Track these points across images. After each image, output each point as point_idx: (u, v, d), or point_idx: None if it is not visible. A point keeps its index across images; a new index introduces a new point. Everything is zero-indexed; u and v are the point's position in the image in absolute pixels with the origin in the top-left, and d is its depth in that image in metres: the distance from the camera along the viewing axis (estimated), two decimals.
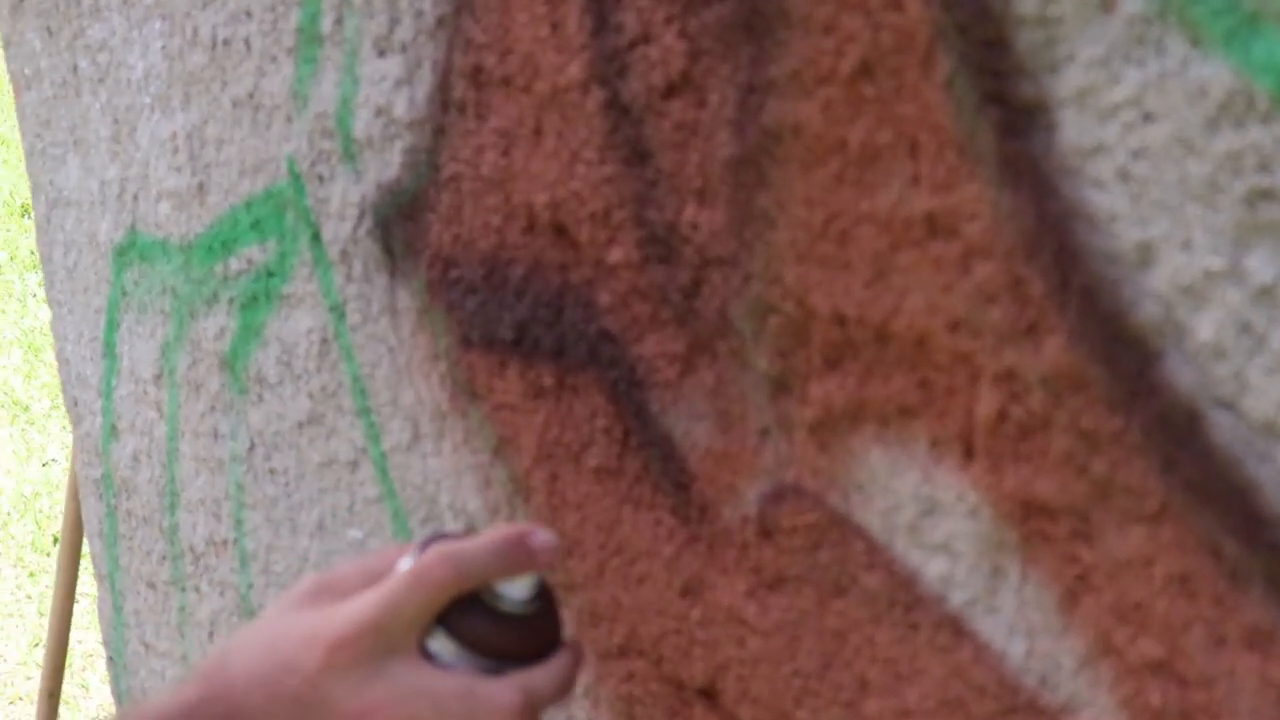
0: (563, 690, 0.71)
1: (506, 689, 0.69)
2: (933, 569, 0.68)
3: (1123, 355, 0.56)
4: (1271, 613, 0.54)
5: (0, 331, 5.24)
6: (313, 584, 0.73)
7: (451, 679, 0.69)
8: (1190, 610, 0.57)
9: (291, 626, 0.70)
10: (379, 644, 0.68)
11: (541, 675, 0.70)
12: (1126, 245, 0.55)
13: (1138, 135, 0.53)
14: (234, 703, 0.68)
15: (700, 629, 0.82)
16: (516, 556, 0.70)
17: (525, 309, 0.90)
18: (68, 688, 3.19)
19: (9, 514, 4.05)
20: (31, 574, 3.71)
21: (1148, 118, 0.53)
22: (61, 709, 3.14)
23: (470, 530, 0.76)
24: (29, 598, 3.63)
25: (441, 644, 0.69)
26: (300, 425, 1.22)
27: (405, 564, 0.71)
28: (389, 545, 0.75)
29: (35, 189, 1.67)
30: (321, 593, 0.72)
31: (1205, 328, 0.53)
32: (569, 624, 0.92)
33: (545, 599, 0.72)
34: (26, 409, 4.62)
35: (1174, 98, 0.52)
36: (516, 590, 0.71)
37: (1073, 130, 0.56)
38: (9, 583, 3.73)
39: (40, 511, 4.02)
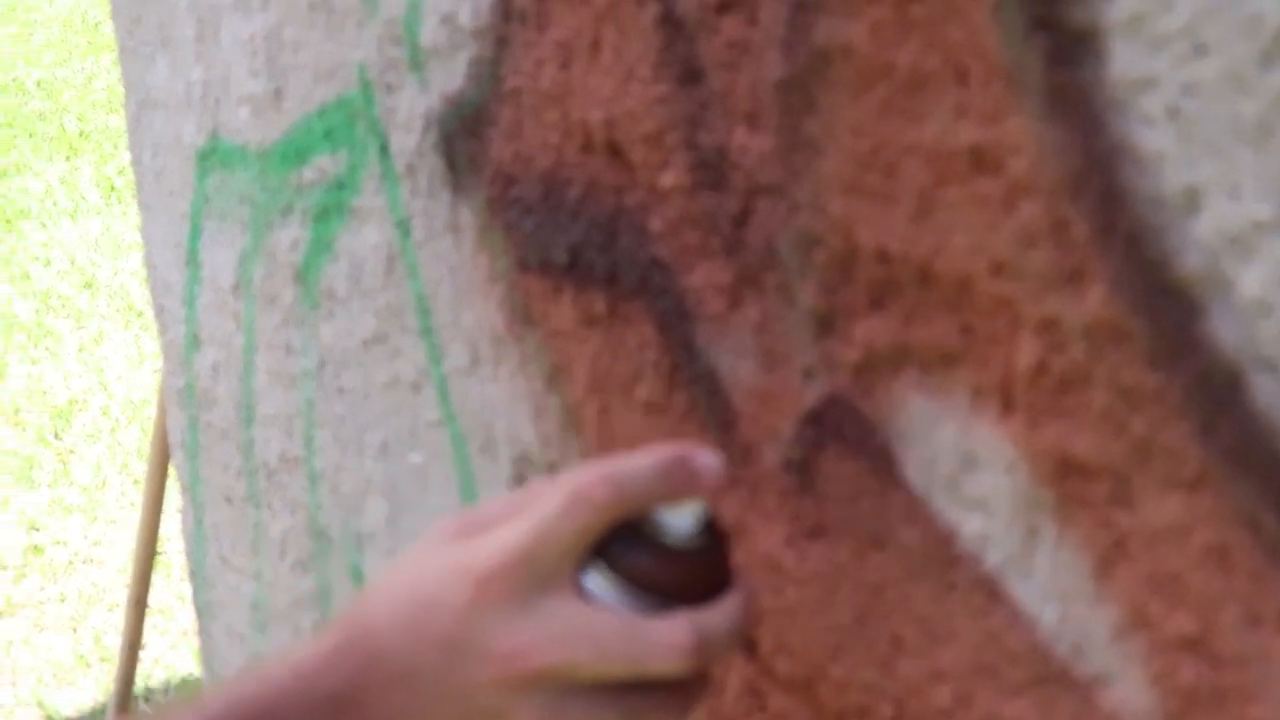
0: (737, 635, 0.66)
1: (677, 629, 0.63)
2: (970, 526, 0.66)
3: (1165, 308, 0.54)
4: None
5: (120, 235, 5.39)
6: (457, 519, 0.68)
7: (613, 618, 0.63)
8: (1226, 585, 0.55)
9: (435, 563, 0.66)
10: (532, 577, 0.63)
11: (714, 616, 0.64)
12: (1173, 189, 0.53)
13: (1189, 69, 0.51)
14: (375, 648, 0.64)
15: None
16: (681, 477, 0.65)
17: (580, 231, 0.89)
18: (164, 597, 3.30)
19: (118, 419, 4.17)
20: (136, 481, 3.82)
21: (1199, 50, 0.51)
22: (156, 618, 3.25)
23: None
24: (133, 505, 3.74)
25: (599, 579, 0.64)
26: (366, 344, 1.23)
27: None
28: (536, 480, 0.69)
29: (127, 88, 1.71)
30: (466, 527, 0.67)
31: (1251, 282, 0.51)
32: None
33: (713, 533, 0.67)
34: (141, 314, 4.74)
35: (1228, 28, 0.50)
36: (682, 521, 0.65)
37: (1122, 61, 0.53)
38: (114, 490, 3.85)
39: (148, 419, 4.14)
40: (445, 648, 0.63)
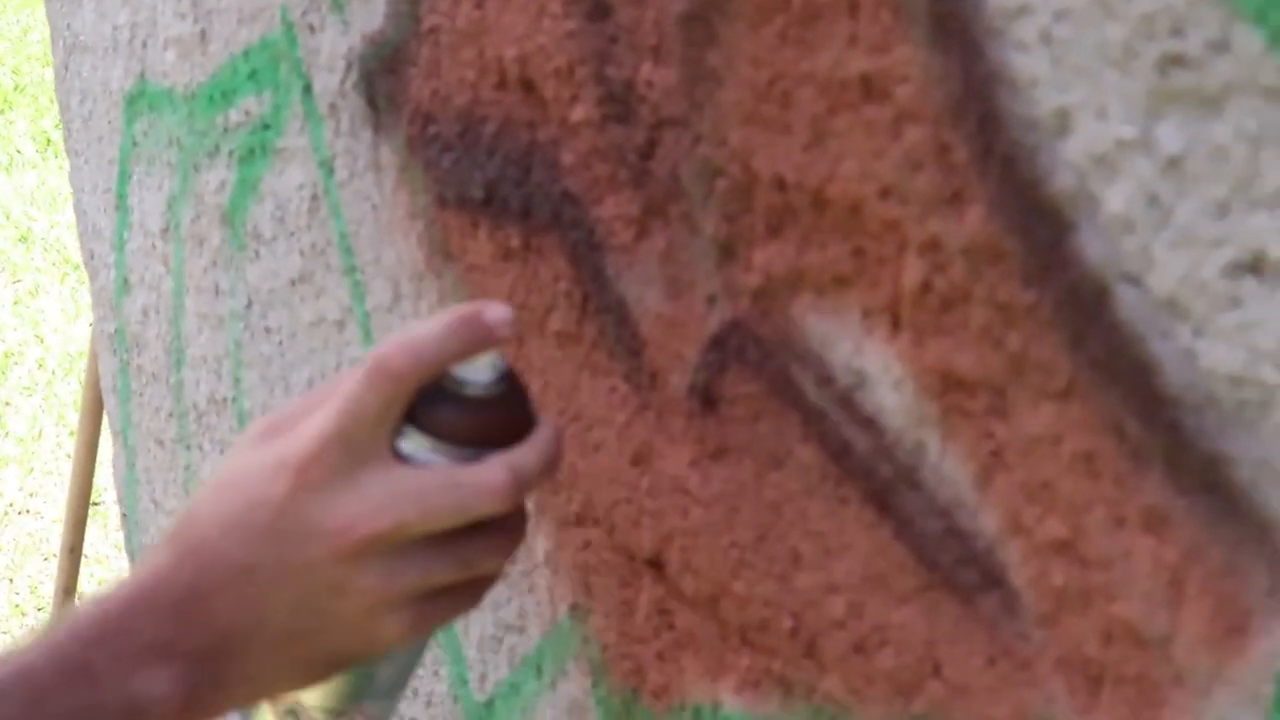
0: (550, 466, 0.69)
1: (492, 470, 0.66)
2: (861, 443, 0.69)
3: (1038, 227, 0.56)
4: (1168, 495, 0.54)
5: (55, 189, 5.33)
6: (263, 422, 0.70)
7: (432, 474, 0.67)
8: (1093, 490, 0.57)
9: (253, 463, 0.68)
10: (348, 454, 0.65)
11: (525, 453, 0.68)
12: (1045, 111, 0.55)
13: None
14: (209, 553, 0.66)
15: (649, 498, 0.84)
16: (474, 333, 0.67)
17: (495, 167, 0.91)
18: (101, 547, 3.29)
19: (54, 372, 4.14)
20: (72, 433, 3.79)
21: None
22: (94, 567, 3.24)
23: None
24: (68, 457, 3.72)
25: (413, 442, 0.67)
26: (293, 283, 1.24)
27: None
28: (338, 375, 0.73)
29: (54, 33, 1.70)
30: (274, 427, 0.69)
31: (1115, 199, 0.53)
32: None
33: (511, 380, 0.70)
34: (77, 267, 4.70)
35: None
36: (479, 372, 0.68)
37: None
38: (50, 440, 3.83)
39: (85, 372, 4.11)
40: (276, 537, 0.65)
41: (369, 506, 0.65)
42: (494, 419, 0.69)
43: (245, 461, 0.68)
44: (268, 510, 0.65)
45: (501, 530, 0.69)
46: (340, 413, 0.65)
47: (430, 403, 0.67)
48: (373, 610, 0.66)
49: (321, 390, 0.70)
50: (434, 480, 0.66)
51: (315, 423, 0.66)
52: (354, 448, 0.65)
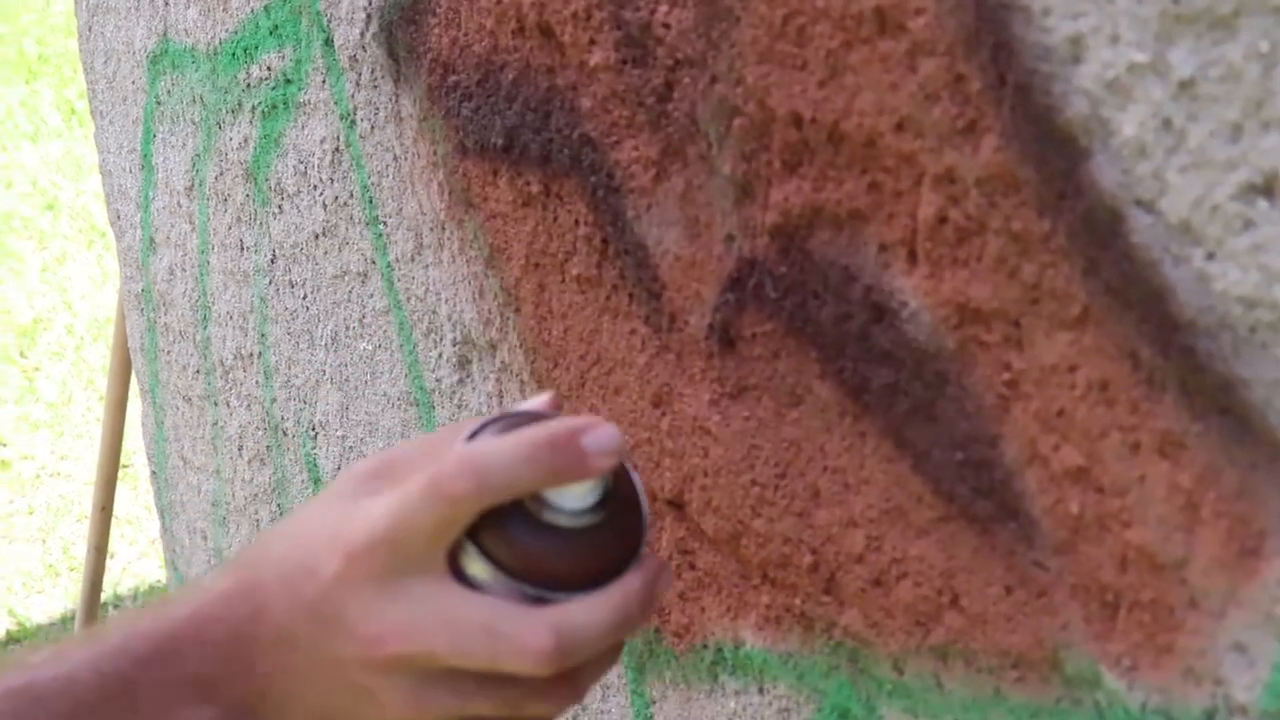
0: (615, 630, 0.59)
1: (535, 627, 0.58)
2: (879, 377, 0.69)
3: (1052, 155, 0.56)
4: (1182, 419, 0.55)
5: (81, 157, 5.34)
6: (374, 464, 0.64)
7: (477, 609, 0.59)
8: (1108, 417, 0.58)
9: (324, 520, 0.62)
10: (396, 560, 0.59)
11: (586, 611, 0.59)
12: (1058, 39, 0.55)
13: None
14: (260, 602, 0.62)
15: (669, 439, 0.84)
16: (561, 463, 0.58)
17: (515, 115, 0.91)
18: (131, 508, 3.31)
19: (83, 338, 4.17)
20: (101, 397, 3.81)
21: None
22: (125, 527, 3.27)
23: (536, 414, 0.63)
24: (99, 420, 3.74)
25: (474, 562, 0.59)
26: (316, 236, 1.25)
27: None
28: (464, 422, 0.64)
29: None
30: (378, 475, 0.63)
31: (1129, 124, 0.53)
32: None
33: (613, 508, 0.59)
34: (103, 234, 4.72)
35: None
36: (569, 499, 0.58)
37: None
38: (80, 405, 3.86)
39: (113, 333, 4.13)
40: (316, 617, 0.61)
41: (403, 623, 0.59)
42: (575, 557, 0.59)
43: (324, 512, 0.63)
44: (314, 587, 0.61)
45: (554, 683, 0.60)
46: (393, 517, 0.59)
47: (502, 520, 0.58)
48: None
49: (441, 438, 0.64)
50: (473, 617, 0.59)
51: (374, 513, 0.60)
52: (403, 556, 0.59)
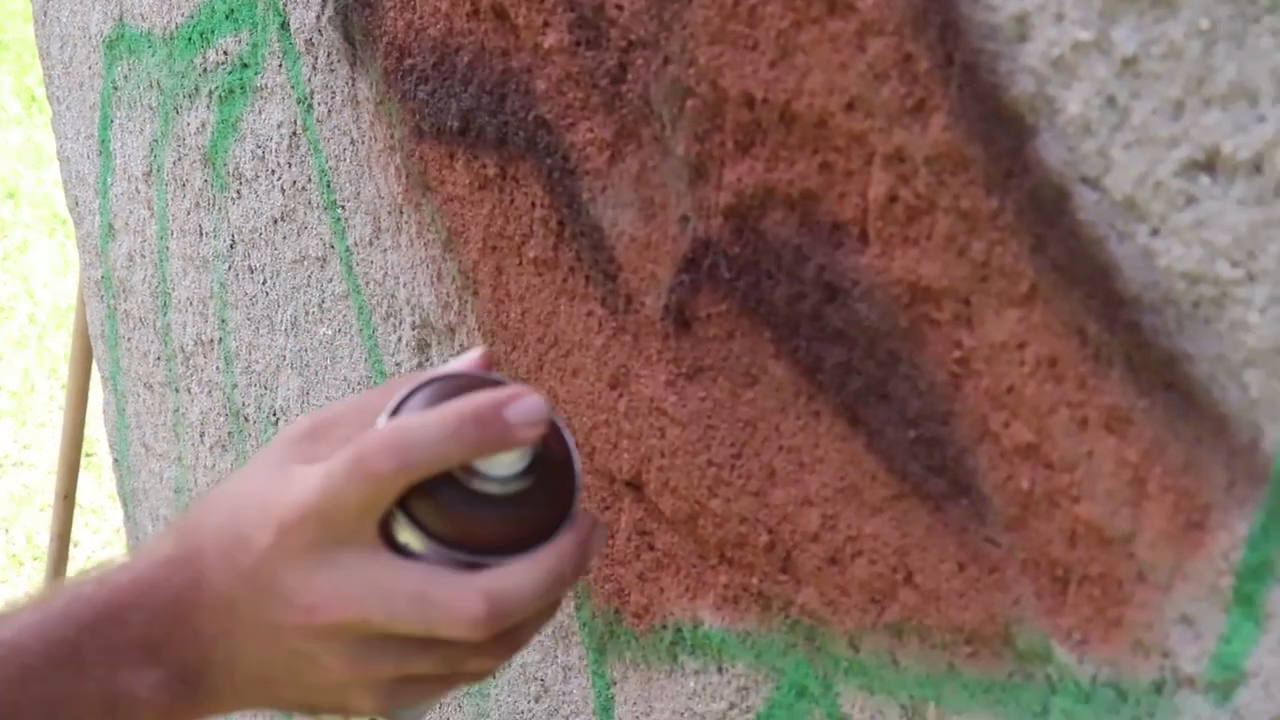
0: (549, 590, 0.60)
1: (467, 594, 0.58)
2: (832, 356, 0.69)
3: (999, 133, 0.57)
4: (1128, 395, 0.55)
5: (42, 145, 5.30)
6: (306, 425, 0.64)
7: (408, 577, 0.59)
8: (1057, 394, 0.58)
9: (258, 487, 0.63)
10: (327, 532, 0.59)
11: (518, 574, 0.59)
12: (1004, 17, 0.55)
13: None
14: (200, 568, 0.63)
15: (626, 420, 0.84)
16: (486, 437, 0.58)
17: (470, 97, 0.91)
18: (95, 497, 3.30)
19: (45, 326, 4.14)
20: (64, 386, 3.79)
21: None
22: (89, 516, 3.25)
23: (467, 376, 0.63)
24: (61, 409, 3.72)
25: (405, 531, 0.59)
26: (275, 221, 1.24)
27: (382, 421, 0.61)
28: (393, 381, 0.64)
29: None
30: (312, 437, 0.63)
31: (1074, 102, 0.53)
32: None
33: (548, 468, 0.60)
34: (64, 222, 4.68)
35: None
36: (498, 467, 0.58)
37: None
38: (43, 394, 3.83)
39: (74, 320, 4.10)
40: (253, 586, 0.61)
41: (337, 592, 0.59)
42: (505, 523, 0.59)
43: (260, 478, 0.63)
44: (250, 556, 0.61)
45: (499, 635, 0.61)
46: (321, 492, 0.59)
47: (433, 490, 0.59)
48: (342, 685, 0.63)
49: (374, 397, 0.63)
50: (406, 586, 0.59)
51: (305, 486, 0.60)
52: (334, 529, 0.59)
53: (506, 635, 0.61)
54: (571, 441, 0.62)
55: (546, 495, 0.60)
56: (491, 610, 0.58)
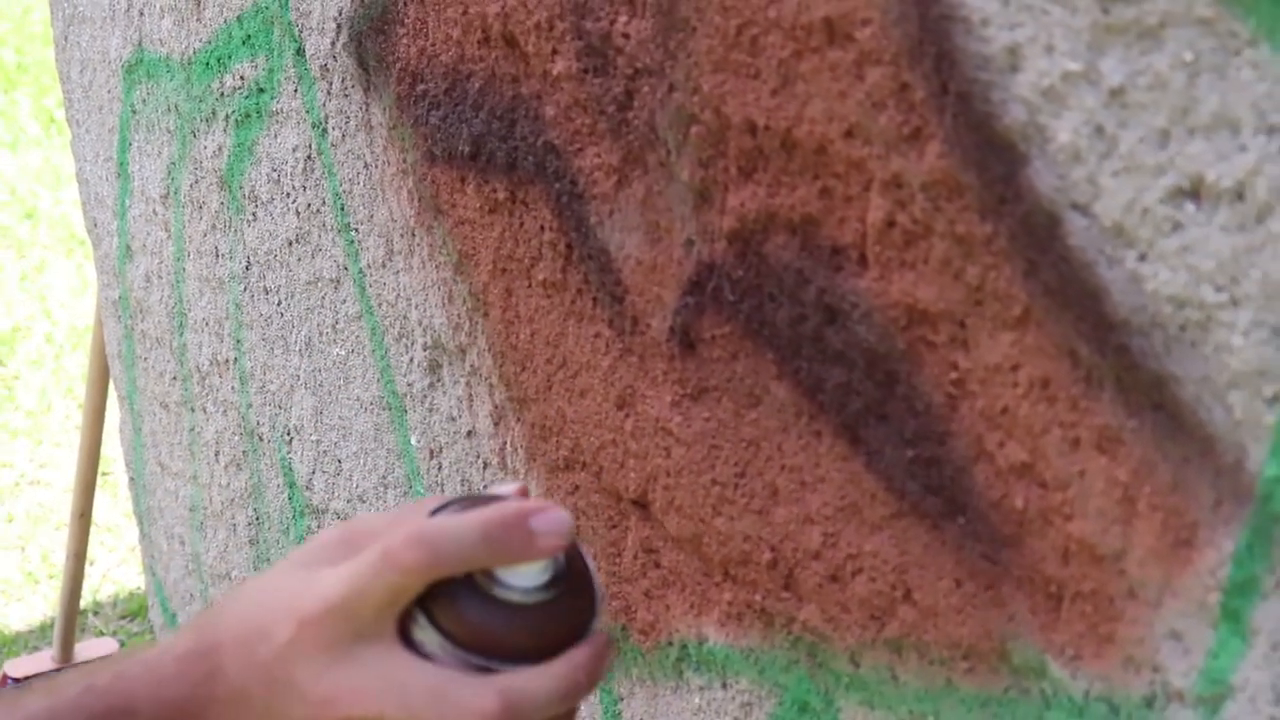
0: (564, 697, 0.61)
1: (483, 692, 0.60)
2: (832, 378, 0.71)
3: (992, 161, 0.58)
4: (1119, 415, 0.56)
5: (60, 166, 5.34)
6: (337, 532, 0.65)
7: (425, 674, 0.61)
8: (1049, 414, 0.59)
9: (282, 586, 0.64)
10: (348, 627, 0.61)
11: (533, 679, 0.61)
12: (997, 49, 0.56)
13: None
14: (217, 662, 0.64)
15: (633, 440, 0.86)
16: (510, 543, 0.60)
17: (481, 123, 0.92)
18: (111, 516, 3.32)
19: (62, 346, 4.17)
20: (80, 405, 3.82)
21: None
22: (104, 535, 3.27)
23: (500, 498, 0.64)
24: (77, 428, 3.75)
25: (423, 631, 0.61)
26: (289, 243, 1.26)
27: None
28: (429, 499, 0.66)
29: (53, 6, 1.71)
30: (341, 543, 0.64)
31: (1064, 131, 0.55)
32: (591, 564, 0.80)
33: (568, 583, 0.61)
34: (82, 243, 4.71)
35: None
36: (520, 577, 0.60)
37: None
38: (59, 414, 3.86)
39: (91, 341, 4.13)
40: (268, 680, 0.63)
41: (354, 686, 0.61)
42: (518, 631, 0.61)
43: (282, 580, 0.64)
44: (268, 650, 0.62)
45: None
46: (345, 585, 0.61)
47: (454, 593, 0.60)
48: None
49: (408, 512, 0.65)
50: (422, 683, 0.60)
51: (328, 582, 0.62)
52: (355, 623, 0.61)
53: None
54: (592, 564, 0.64)
55: (564, 610, 0.61)
56: (506, 709, 0.59)
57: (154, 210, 1.57)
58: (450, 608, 0.60)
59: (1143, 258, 0.53)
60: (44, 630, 3.03)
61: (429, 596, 0.60)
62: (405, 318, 1.10)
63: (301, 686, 0.62)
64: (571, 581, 0.62)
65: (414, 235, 1.05)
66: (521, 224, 0.92)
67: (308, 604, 0.61)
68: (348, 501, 1.28)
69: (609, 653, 0.63)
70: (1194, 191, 0.51)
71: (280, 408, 1.37)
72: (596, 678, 0.62)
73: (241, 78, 1.27)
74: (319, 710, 0.62)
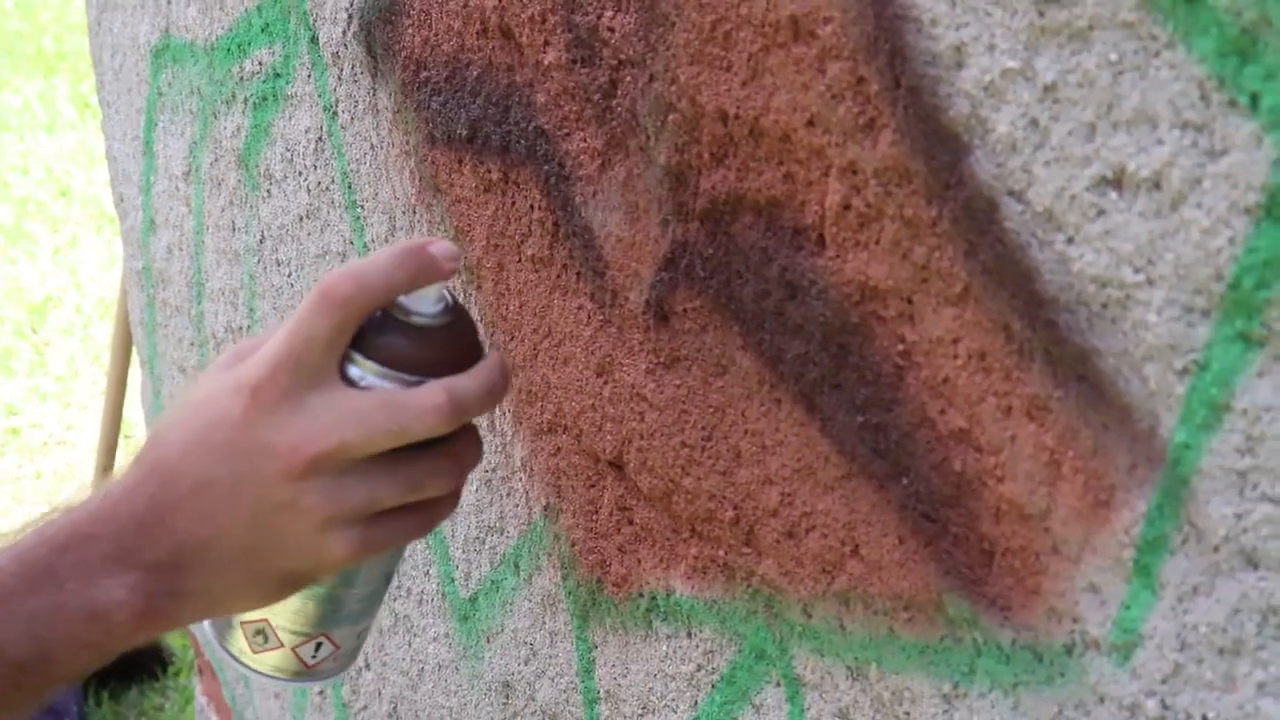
0: (490, 394, 0.69)
1: (430, 393, 0.66)
2: (792, 349, 0.72)
3: (939, 150, 0.60)
4: (1047, 385, 0.58)
5: (93, 148, 5.35)
6: (232, 350, 0.70)
7: (374, 396, 0.66)
8: (985, 384, 0.61)
9: (215, 385, 0.67)
10: (298, 377, 0.65)
11: (466, 378, 0.68)
12: (944, 46, 0.58)
13: None
14: (171, 469, 0.66)
15: (610, 405, 0.88)
16: (418, 265, 0.67)
17: (478, 108, 0.94)
18: None
19: (90, 316, 4.18)
20: (107, 372, 3.83)
21: None
22: None
23: None
24: (103, 393, 3.76)
25: (360, 368, 0.67)
26: (300, 219, 1.28)
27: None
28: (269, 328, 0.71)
29: None
30: (240, 354, 0.69)
31: (1002, 123, 0.56)
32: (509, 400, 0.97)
33: (458, 312, 0.70)
34: (112, 220, 4.73)
35: None
36: (426, 303, 0.68)
37: None
38: (86, 379, 3.87)
39: (117, 312, 4.14)
40: (232, 455, 0.65)
41: (315, 427, 0.65)
42: (437, 347, 0.68)
43: (209, 385, 0.68)
44: (225, 429, 0.65)
45: (449, 455, 0.69)
46: (290, 336, 0.65)
47: (377, 331, 0.67)
48: (321, 528, 0.66)
49: (283, 319, 0.70)
50: (375, 402, 0.66)
51: (270, 346, 0.66)
52: (303, 371, 0.65)
53: (460, 453, 0.69)
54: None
55: (465, 328, 0.71)
56: (451, 400, 0.66)
57: (176, 186, 1.58)
58: (377, 340, 0.67)
59: (1070, 241, 0.55)
60: None
61: (357, 339, 0.67)
62: None
63: (265, 445, 0.65)
64: (459, 309, 0.70)
65: (415, 212, 1.07)
66: (513, 203, 0.93)
67: (253, 373, 0.65)
68: None
69: (507, 364, 0.71)
70: (1116, 181, 0.52)
71: None
72: (509, 380, 0.70)
73: (260, 63, 1.28)
74: (287, 458, 0.65)
